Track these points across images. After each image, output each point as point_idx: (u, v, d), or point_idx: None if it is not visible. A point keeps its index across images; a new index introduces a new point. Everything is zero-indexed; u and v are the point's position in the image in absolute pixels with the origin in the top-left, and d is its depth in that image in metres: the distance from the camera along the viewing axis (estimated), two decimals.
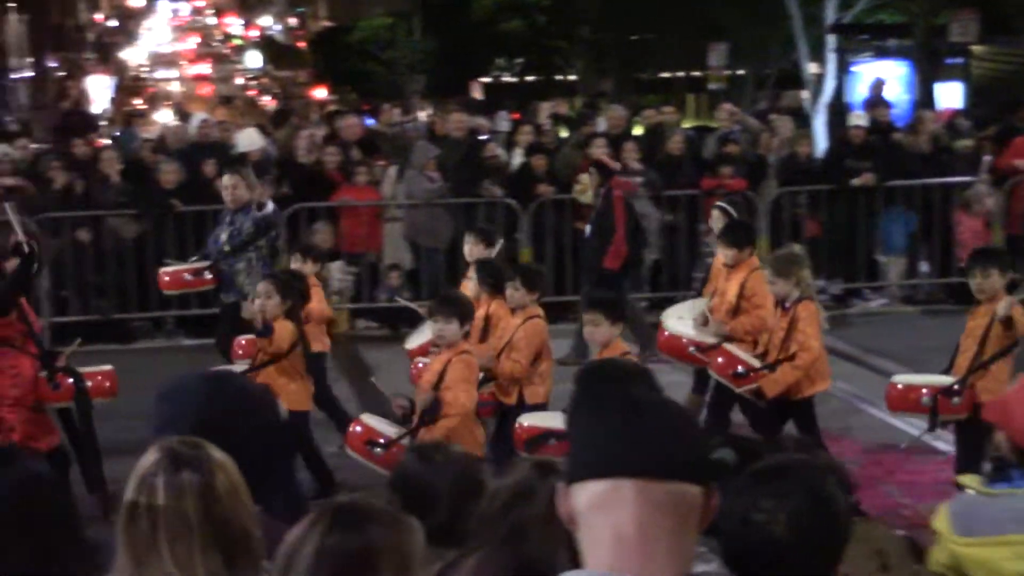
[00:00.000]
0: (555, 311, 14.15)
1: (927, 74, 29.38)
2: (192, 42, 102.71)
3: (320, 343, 11.47)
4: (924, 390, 9.51)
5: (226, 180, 12.85)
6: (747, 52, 38.49)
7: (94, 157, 17.37)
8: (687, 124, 29.91)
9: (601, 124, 19.13)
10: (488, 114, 22.53)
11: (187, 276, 12.86)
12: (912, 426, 10.68)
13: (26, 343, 9.78)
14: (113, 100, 61.96)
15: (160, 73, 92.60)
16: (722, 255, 11.36)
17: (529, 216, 16.73)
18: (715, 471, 2.78)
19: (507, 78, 50.10)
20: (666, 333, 11.31)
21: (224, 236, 12.58)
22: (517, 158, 18.01)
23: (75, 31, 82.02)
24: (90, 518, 4.43)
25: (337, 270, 16.71)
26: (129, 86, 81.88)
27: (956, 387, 9.35)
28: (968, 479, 4.68)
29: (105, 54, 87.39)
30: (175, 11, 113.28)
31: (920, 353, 12.77)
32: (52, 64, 61.80)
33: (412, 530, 3.26)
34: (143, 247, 16.51)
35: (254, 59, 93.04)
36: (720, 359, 10.42)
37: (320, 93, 56.63)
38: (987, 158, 17.83)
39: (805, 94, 27.61)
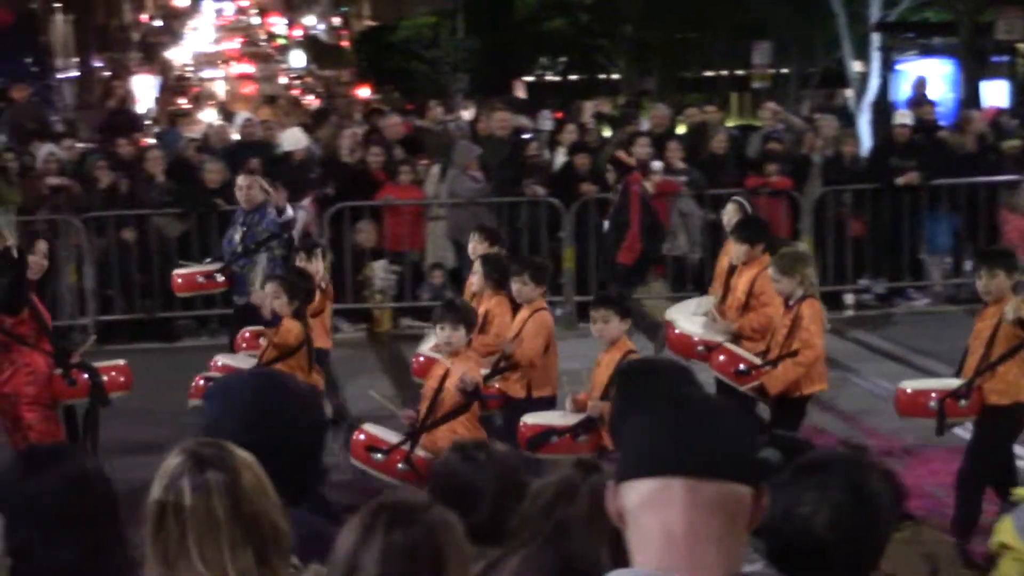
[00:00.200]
0: None
1: (972, 72, 29.20)
2: (236, 42, 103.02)
3: (323, 340, 11.46)
4: (933, 394, 9.50)
5: (240, 181, 12.92)
6: (791, 50, 38.37)
7: (139, 157, 17.45)
8: (731, 123, 29.83)
9: (644, 123, 19.10)
10: (531, 113, 22.51)
11: (199, 279, 12.92)
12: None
13: (40, 341, 9.81)
14: (158, 100, 62.19)
15: (204, 73, 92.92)
16: (734, 251, 11.36)
17: (572, 215, 16.70)
18: (765, 471, 2.76)
19: (550, 77, 50.05)
20: (676, 331, 11.32)
21: (237, 237, 12.63)
22: (560, 157, 17.98)
23: (120, 31, 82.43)
24: None
25: (380, 269, 16.74)
26: (174, 86, 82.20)
27: (963, 390, 9.32)
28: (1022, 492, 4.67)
29: (150, 54, 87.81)
30: (219, 11, 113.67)
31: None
32: (97, 64, 62.12)
33: (460, 525, 3.28)
34: (187, 246, 16.55)
35: (298, 58, 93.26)
36: (721, 357, 10.41)
37: (363, 92, 56.68)
38: None
39: (849, 93, 27.50)
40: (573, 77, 48.88)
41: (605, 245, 15.08)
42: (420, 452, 8.99)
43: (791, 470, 3.55)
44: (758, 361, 10.18)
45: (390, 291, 16.82)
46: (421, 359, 10.59)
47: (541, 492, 4.11)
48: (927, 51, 29.18)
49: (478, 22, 48.22)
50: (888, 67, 27.39)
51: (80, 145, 19.18)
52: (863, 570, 3.50)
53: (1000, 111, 22.62)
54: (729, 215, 12.25)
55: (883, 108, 24.85)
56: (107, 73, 59.39)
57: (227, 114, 25.74)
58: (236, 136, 19.08)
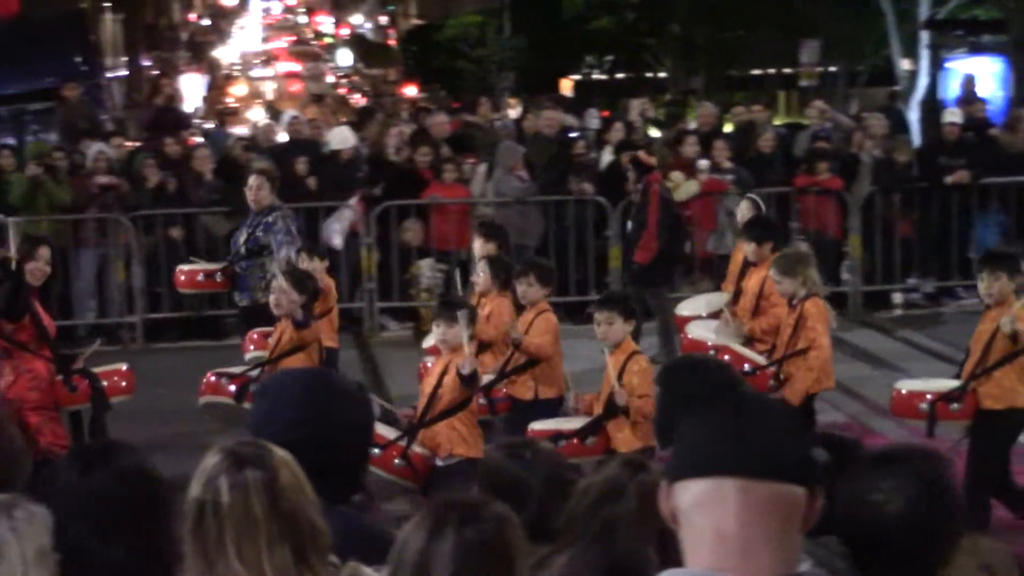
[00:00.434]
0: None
1: (1023, 70, 29.00)
2: (283, 40, 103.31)
3: (330, 340, 11.46)
4: (928, 395, 9.45)
5: (251, 181, 12.93)
6: (839, 48, 38.17)
7: (187, 155, 17.53)
8: (778, 121, 29.73)
9: (691, 122, 19.06)
10: (577, 112, 22.50)
11: (199, 277, 12.96)
12: None
13: (41, 347, 9.83)
14: (205, 98, 62.43)
15: (252, 71, 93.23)
16: (745, 249, 11.34)
17: (618, 214, 16.68)
18: (820, 472, 2.75)
19: (597, 75, 49.98)
20: (689, 337, 11.30)
21: (242, 238, 12.65)
22: (607, 156, 17.97)
23: (168, 30, 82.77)
24: None
25: (427, 267, 16.77)
26: (221, 84, 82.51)
27: (956, 393, 9.27)
28: None
29: (198, 53, 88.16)
30: (267, 10, 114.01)
31: None
32: (146, 63, 62.40)
33: (516, 525, 3.28)
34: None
35: (345, 57, 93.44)
36: (726, 357, 10.38)
37: (410, 91, 56.77)
38: None
39: (897, 90, 27.38)
40: (620, 76, 48.79)
41: (626, 245, 15.11)
42: (417, 448, 8.98)
43: (866, 460, 3.55)
44: (763, 361, 10.18)
45: (437, 289, 16.83)
46: (428, 364, 10.52)
47: (587, 491, 4.11)
48: (976, 49, 28.97)
49: (525, 21, 48.18)
50: (937, 65, 27.24)
51: (129, 144, 19.28)
52: (930, 566, 3.49)
53: None
54: (743, 212, 12.26)
55: (932, 106, 24.72)
56: (155, 72, 59.65)
57: (274, 113, 25.79)
58: (283, 135, 19.14)
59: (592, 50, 48.77)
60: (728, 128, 19.92)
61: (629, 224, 14.98)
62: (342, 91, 79.64)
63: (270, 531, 3.37)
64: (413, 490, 9.05)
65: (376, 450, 8.95)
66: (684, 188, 16.68)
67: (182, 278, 13.10)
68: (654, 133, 19.84)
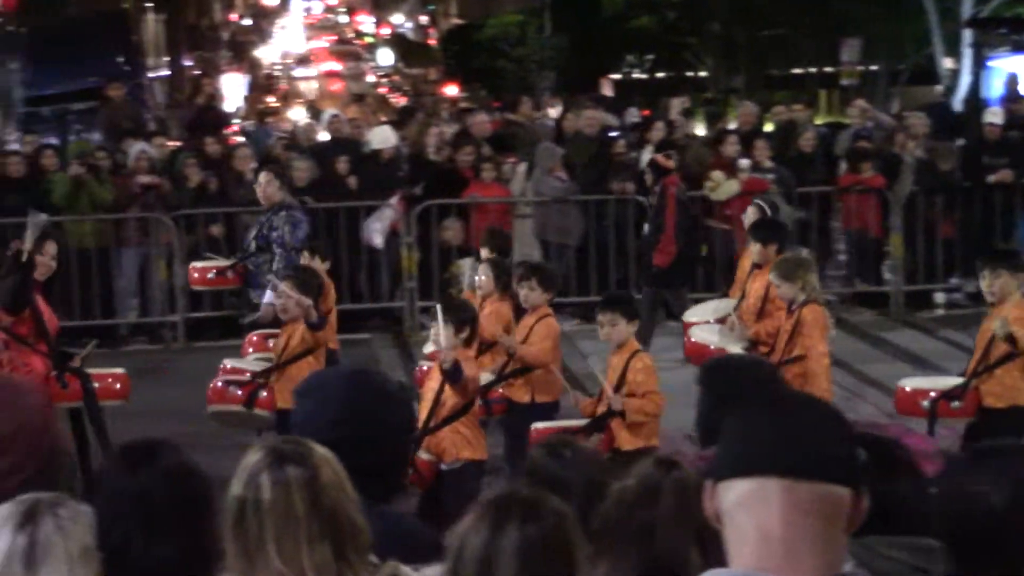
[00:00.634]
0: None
1: None
2: (324, 40, 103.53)
3: (331, 341, 11.47)
4: (932, 393, 9.41)
5: (260, 177, 12.94)
6: (881, 47, 38.01)
7: (228, 154, 17.60)
8: (819, 120, 29.64)
9: (728, 123, 19.02)
10: (618, 111, 22.49)
11: (210, 274, 12.98)
12: None
13: (38, 342, 9.84)
14: (246, 98, 62.63)
15: (293, 71, 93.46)
16: (751, 251, 11.31)
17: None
18: (866, 473, 2.74)
19: (637, 75, 49.92)
20: (692, 340, 11.28)
21: (252, 235, 12.67)
22: (647, 155, 17.94)
23: (210, 30, 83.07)
24: None
25: (468, 266, 16.76)
26: (262, 84, 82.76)
27: (958, 391, 9.24)
28: None
29: (239, 53, 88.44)
30: (308, 9, 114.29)
31: None
32: (187, 63, 62.64)
33: (573, 521, 3.27)
34: None
35: (385, 56, 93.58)
36: None
37: (450, 90, 56.83)
38: None
39: (940, 89, 27.25)
40: (660, 75, 48.72)
41: (644, 247, 15.11)
42: (423, 455, 8.95)
43: (967, 454, 3.55)
44: None
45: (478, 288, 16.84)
46: (425, 368, 10.51)
47: (622, 494, 4.09)
48: (1020, 47, 28.77)
49: (565, 20, 48.15)
50: (980, 64, 27.08)
51: (171, 144, 19.37)
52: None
53: None
54: (749, 217, 12.23)
55: (975, 106, 24.58)
56: (197, 72, 59.90)
57: (315, 112, 25.87)
58: (324, 134, 19.19)
59: (632, 49, 48.70)
60: (769, 127, 19.88)
61: (645, 226, 15.01)
62: (383, 90, 79.81)
63: (310, 528, 3.38)
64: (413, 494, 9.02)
65: None
66: (725, 188, 16.65)
67: (195, 275, 13.13)
68: (698, 131, 19.77)
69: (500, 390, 10.22)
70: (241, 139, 20.82)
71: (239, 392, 10.15)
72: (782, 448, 2.64)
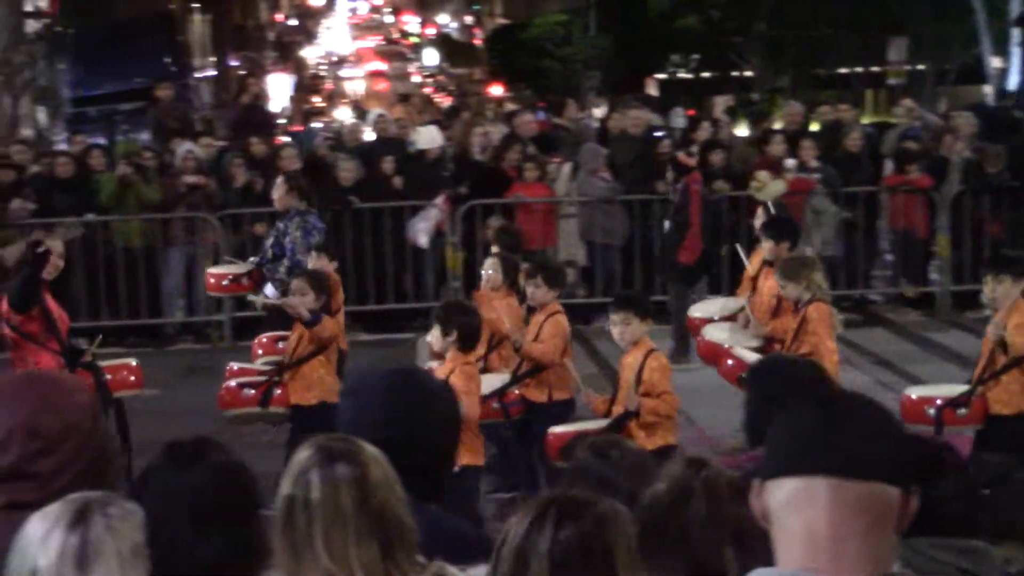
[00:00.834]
0: None
1: None
2: (370, 40, 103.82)
3: (340, 341, 11.48)
4: (938, 401, 9.35)
5: (277, 182, 12.99)
6: (928, 46, 37.85)
7: (273, 154, 17.65)
8: (865, 120, 29.52)
9: (774, 123, 18.95)
10: (663, 111, 22.45)
11: (225, 281, 13.00)
12: None
13: (48, 340, 9.87)
14: (292, 98, 62.85)
15: (337, 71, 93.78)
16: (763, 249, 11.27)
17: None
18: (916, 473, 2.73)
19: (682, 74, 49.86)
20: (705, 339, 11.22)
21: (269, 242, 12.70)
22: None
23: (256, 30, 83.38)
24: None
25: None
26: (308, 84, 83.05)
27: (964, 398, 9.18)
28: None
29: (285, 53, 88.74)
30: (353, 10, 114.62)
31: None
32: (233, 63, 62.89)
33: (628, 520, 3.25)
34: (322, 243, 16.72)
35: (430, 56, 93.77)
36: (729, 362, 10.30)
37: (496, 90, 56.87)
38: None
39: (988, 89, 27.10)
40: (705, 75, 48.66)
41: (665, 245, 15.09)
42: None
43: None
44: None
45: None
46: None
47: (656, 498, 4.07)
48: None
49: (610, 19, 48.11)
50: None
51: (217, 143, 19.45)
52: None
53: None
54: (760, 218, 12.20)
55: (1022, 105, 24.45)
56: (243, 72, 60.15)
57: (360, 112, 25.95)
58: (370, 134, 19.23)
59: (678, 49, 48.64)
60: (815, 127, 19.81)
61: (666, 224, 15.00)
62: (428, 90, 79.93)
63: (359, 527, 3.39)
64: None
65: None
66: (771, 188, 16.58)
67: (211, 280, 13.18)
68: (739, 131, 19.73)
69: (515, 392, 10.18)
70: (287, 139, 20.89)
71: (252, 392, 10.20)
72: (829, 447, 2.64)
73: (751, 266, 11.90)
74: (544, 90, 44.52)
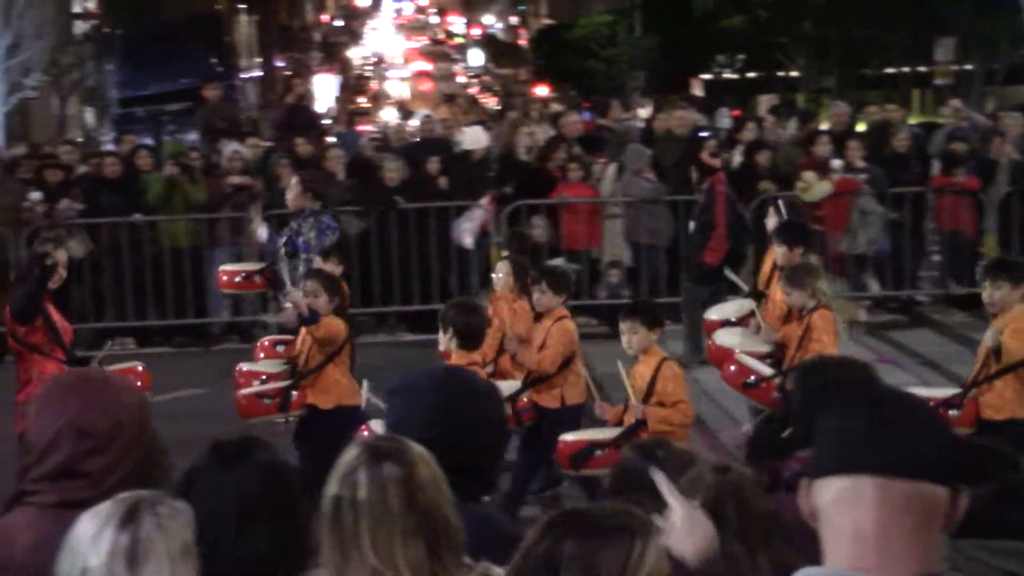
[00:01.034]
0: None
1: None
2: (416, 41, 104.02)
3: None
4: (930, 402, 9.27)
5: (291, 183, 13.00)
6: (975, 46, 37.62)
7: (319, 155, 17.69)
8: (912, 120, 29.38)
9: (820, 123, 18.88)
10: (708, 111, 22.41)
11: (238, 279, 13.01)
12: None
13: (52, 349, 9.87)
14: (337, 99, 63.03)
15: (382, 71, 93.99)
16: (775, 253, 11.24)
17: (751, 213, 16.56)
18: (963, 474, 2.72)
19: (727, 74, 49.75)
20: (716, 343, 11.17)
21: (281, 241, 12.70)
22: (738, 156, 17.87)
23: (302, 31, 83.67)
24: None
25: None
26: (353, 85, 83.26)
27: (956, 400, 9.13)
28: None
29: (331, 53, 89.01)
30: (399, 10, 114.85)
31: None
32: (279, 64, 63.14)
33: (646, 535, 3.18)
34: (367, 243, 16.77)
35: (476, 57, 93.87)
36: (732, 368, 10.24)
37: (541, 91, 56.91)
38: None
39: None
40: (751, 75, 48.53)
41: (690, 246, 15.05)
42: None
43: None
44: (768, 372, 10.05)
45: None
46: None
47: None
48: None
49: (655, 19, 48.07)
50: None
51: (264, 144, 19.51)
52: None
53: None
54: (771, 220, 12.15)
55: None
56: (288, 72, 60.41)
57: (406, 113, 26.01)
58: (415, 134, 19.25)
59: (723, 49, 48.54)
60: (861, 127, 19.72)
61: (691, 224, 14.97)
62: (473, 91, 79.99)
63: (405, 526, 3.40)
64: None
65: None
66: (817, 188, 16.55)
67: (224, 278, 13.17)
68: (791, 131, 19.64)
69: (526, 398, 10.12)
70: (332, 139, 20.93)
71: (270, 402, 10.22)
72: (876, 446, 2.64)
73: (764, 271, 11.88)
74: (589, 90, 44.52)
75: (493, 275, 11.09)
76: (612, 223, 17.34)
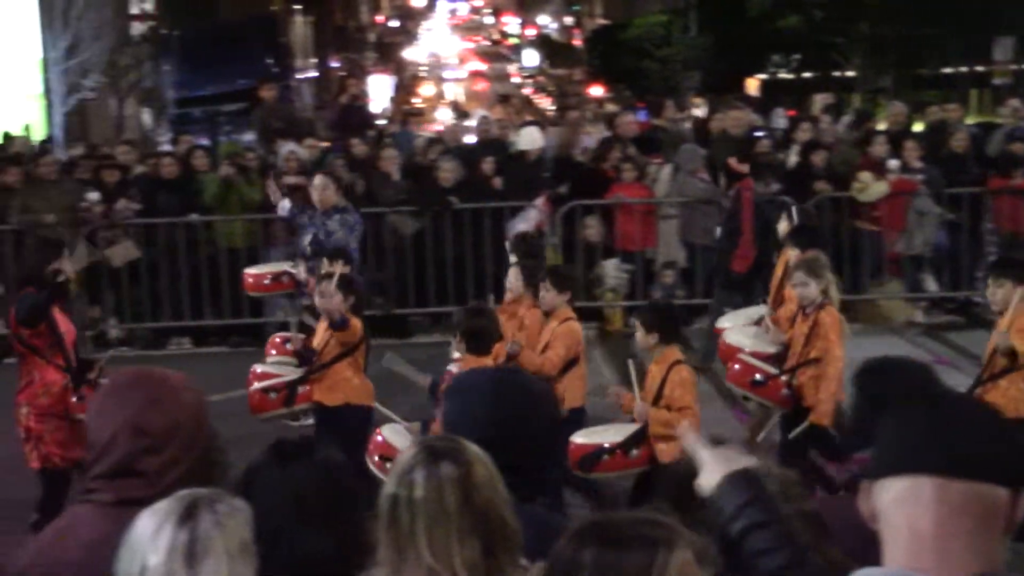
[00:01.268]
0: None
1: None
2: (471, 41, 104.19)
3: None
4: None
5: (316, 181, 12.94)
6: None
7: (374, 155, 17.73)
8: (970, 120, 29.20)
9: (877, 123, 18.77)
10: (764, 111, 22.32)
11: (266, 280, 12.98)
12: None
13: (54, 354, 9.91)
14: (393, 99, 63.19)
15: (438, 72, 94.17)
16: (788, 256, 11.20)
17: (804, 215, 16.48)
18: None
19: (783, 74, 49.59)
20: (726, 342, 11.10)
21: (307, 240, 12.67)
22: (793, 156, 17.80)
23: (357, 32, 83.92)
24: None
25: (612, 268, 16.78)
26: (408, 85, 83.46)
27: None
28: None
29: (386, 54, 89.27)
30: (454, 11, 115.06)
31: None
32: (334, 64, 63.33)
33: (671, 546, 3.11)
34: (421, 244, 16.81)
35: (530, 57, 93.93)
36: (736, 367, 10.18)
37: (596, 91, 56.89)
38: None
39: None
40: (807, 75, 48.35)
41: (718, 251, 14.99)
42: None
43: None
44: (774, 371, 9.97)
45: (622, 289, 16.83)
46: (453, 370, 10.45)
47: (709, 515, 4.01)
48: None
49: (710, 19, 48.00)
50: None
51: (321, 144, 19.57)
52: None
53: None
54: (783, 225, 12.07)
55: None
56: (344, 73, 60.58)
57: (461, 113, 26.01)
58: (471, 135, 19.26)
59: (779, 49, 48.40)
60: (918, 127, 19.61)
61: (718, 230, 14.90)
62: (528, 91, 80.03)
63: (462, 525, 3.41)
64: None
65: (390, 464, 8.87)
66: (873, 189, 16.48)
67: (250, 280, 13.16)
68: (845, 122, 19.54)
69: None
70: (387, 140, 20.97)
71: (276, 396, 10.26)
72: (935, 447, 2.64)
73: (776, 274, 11.80)
74: (644, 90, 44.46)
75: (507, 281, 10.93)
76: (667, 223, 17.31)
